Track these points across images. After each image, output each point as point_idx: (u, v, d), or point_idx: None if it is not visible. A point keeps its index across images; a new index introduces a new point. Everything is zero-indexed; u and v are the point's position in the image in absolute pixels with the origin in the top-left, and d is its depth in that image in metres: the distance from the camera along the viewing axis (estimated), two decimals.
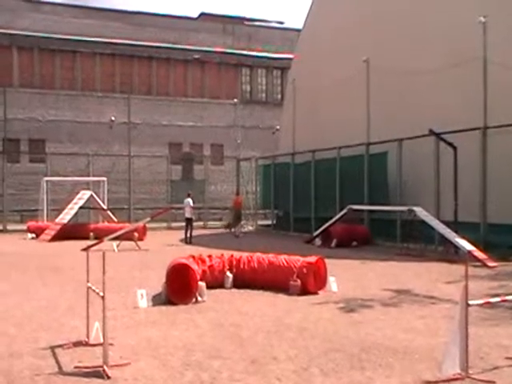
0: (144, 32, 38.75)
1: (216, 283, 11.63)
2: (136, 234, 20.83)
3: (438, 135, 19.04)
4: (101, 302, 6.52)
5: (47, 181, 28.86)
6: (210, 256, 12.09)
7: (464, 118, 18.85)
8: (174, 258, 11.36)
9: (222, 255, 12.36)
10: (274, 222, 31.06)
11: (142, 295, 10.06)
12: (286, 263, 11.66)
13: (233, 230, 27.63)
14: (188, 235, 22.81)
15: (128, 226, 21.31)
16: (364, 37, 24.63)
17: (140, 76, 39.19)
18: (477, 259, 15.30)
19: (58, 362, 6.78)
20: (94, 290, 7.04)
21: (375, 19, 24.30)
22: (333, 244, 20.59)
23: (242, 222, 28.97)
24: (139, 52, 38.71)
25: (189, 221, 23.13)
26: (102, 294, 6.52)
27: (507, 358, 6.79)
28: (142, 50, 38.75)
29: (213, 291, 11.08)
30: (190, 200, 23.39)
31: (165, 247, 20.79)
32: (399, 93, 22.62)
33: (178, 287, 10.37)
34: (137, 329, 8.44)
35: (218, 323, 8.78)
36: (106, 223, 26.26)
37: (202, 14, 43.74)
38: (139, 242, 20.71)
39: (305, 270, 11.28)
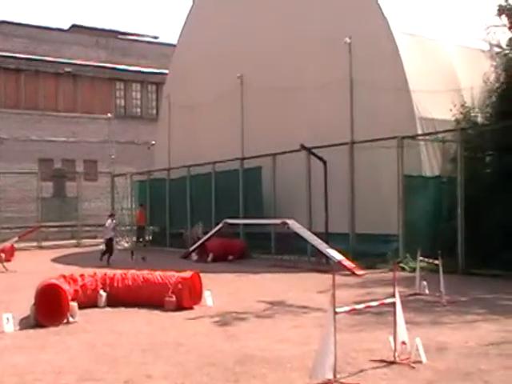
0: (11, 43, 36.92)
1: (89, 303, 11.29)
2: (3, 255, 19.83)
3: (308, 150, 19.79)
4: None
5: None
6: (82, 275, 11.72)
7: (334, 133, 19.76)
8: (44, 279, 10.88)
9: (95, 274, 12.03)
10: (150, 237, 30.68)
11: (7, 319, 9.54)
12: (160, 279, 11.57)
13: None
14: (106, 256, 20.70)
15: None
16: (238, 53, 25.07)
17: (6, 88, 37.22)
18: (346, 268, 16.02)
19: None
20: None
21: (249, 36, 24.84)
22: (209, 258, 20.65)
23: (117, 239, 27.65)
24: (6, 64, 36.74)
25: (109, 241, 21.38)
26: None
27: (371, 361, 7.19)
28: (8, 62, 36.82)
29: (86, 311, 10.74)
30: (109, 220, 21.60)
31: (35, 268, 19.81)
32: (273, 109, 23.26)
33: (48, 309, 9.95)
34: (1, 355, 7.98)
35: (91, 344, 8.52)
36: None
37: (74, 26, 42.48)
38: (6, 264, 19.62)
39: (180, 286, 11.25)
